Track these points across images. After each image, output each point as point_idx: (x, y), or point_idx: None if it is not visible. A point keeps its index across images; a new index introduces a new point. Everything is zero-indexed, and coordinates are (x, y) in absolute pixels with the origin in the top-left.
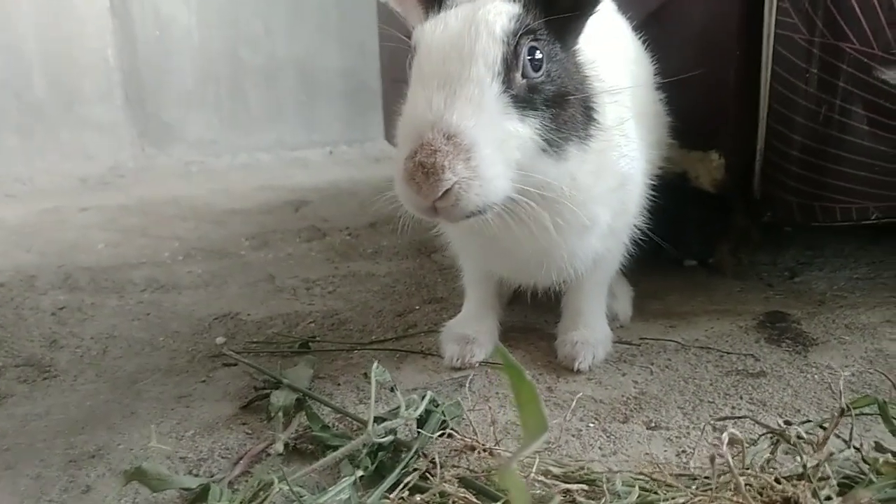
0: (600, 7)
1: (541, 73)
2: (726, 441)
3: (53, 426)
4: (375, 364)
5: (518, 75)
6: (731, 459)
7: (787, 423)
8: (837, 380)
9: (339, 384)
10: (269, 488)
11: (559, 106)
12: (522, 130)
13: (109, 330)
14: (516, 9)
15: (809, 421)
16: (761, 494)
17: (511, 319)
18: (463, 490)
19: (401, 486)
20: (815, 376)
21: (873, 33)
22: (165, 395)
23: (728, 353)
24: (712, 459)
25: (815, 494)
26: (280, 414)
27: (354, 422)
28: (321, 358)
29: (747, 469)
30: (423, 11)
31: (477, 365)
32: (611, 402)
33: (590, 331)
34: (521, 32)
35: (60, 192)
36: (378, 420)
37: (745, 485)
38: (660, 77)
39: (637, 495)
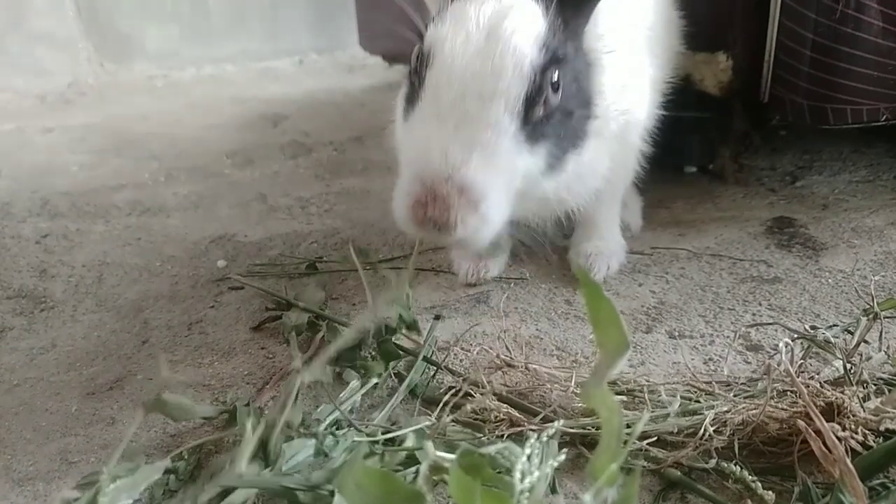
0: None
1: (558, 94)
2: (784, 350)
3: (63, 359)
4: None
5: (538, 108)
6: (791, 368)
7: (814, 327)
8: (852, 284)
9: (354, 304)
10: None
11: (564, 123)
12: (530, 164)
13: (101, 257)
14: (542, 24)
15: (836, 325)
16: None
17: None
18: (506, 406)
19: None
20: (829, 280)
21: None
22: (175, 323)
23: (740, 259)
24: (769, 369)
25: (865, 399)
26: (294, 333)
27: None
28: (331, 279)
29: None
30: None
31: (491, 280)
32: (631, 313)
33: (604, 242)
34: (548, 64)
35: (19, 112)
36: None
37: (790, 391)
38: None
39: (679, 404)
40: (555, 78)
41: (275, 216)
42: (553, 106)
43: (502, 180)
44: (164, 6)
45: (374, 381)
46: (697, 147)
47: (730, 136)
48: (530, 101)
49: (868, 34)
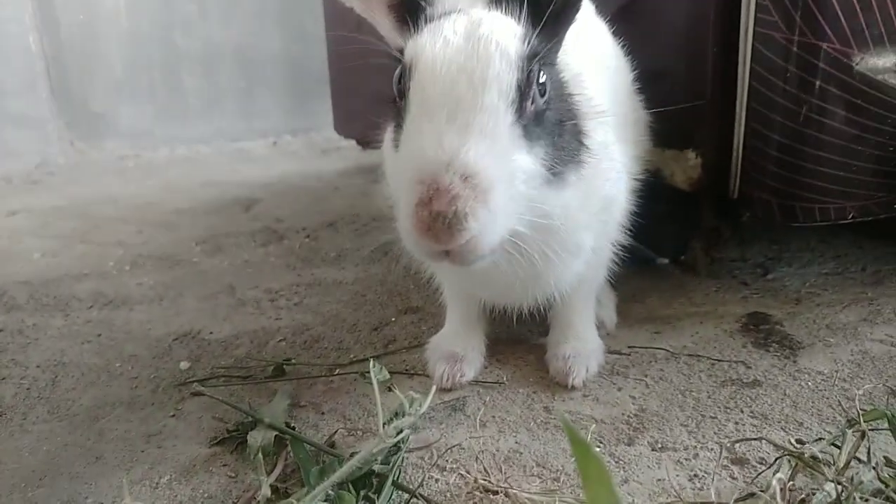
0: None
1: (545, 97)
2: (778, 475)
3: (7, 477)
4: (372, 362)
5: (529, 103)
6: (785, 494)
7: (800, 441)
8: (832, 387)
9: (322, 413)
10: None
11: (558, 132)
12: (531, 162)
13: (57, 356)
14: (519, 26)
15: (821, 439)
16: None
17: (496, 331)
18: None
19: None
20: (809, 383)
21: (852, 33)
22: (132, 434)
23: (718, 360)
24: (768, 487)
25: None
26: (260, 455)
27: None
28: (298, 383)
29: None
30: (398, 21)
31: (467, 384)
32: (612, 422)
33: (581, 343)
34: (532, 56)
35: None
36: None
37: None
38: (635, 73)
39: None
40: (542, 78)
41: (243, 310)
42: (542, 104)
43: (507, 170)
44: (138, 85)
45: None
46: (670, 239)
47: (701, 229)
48: (522, 92)
49: (832, 136)
